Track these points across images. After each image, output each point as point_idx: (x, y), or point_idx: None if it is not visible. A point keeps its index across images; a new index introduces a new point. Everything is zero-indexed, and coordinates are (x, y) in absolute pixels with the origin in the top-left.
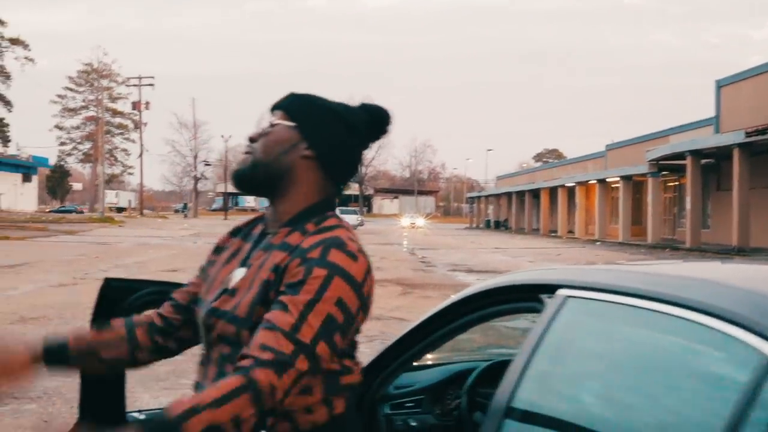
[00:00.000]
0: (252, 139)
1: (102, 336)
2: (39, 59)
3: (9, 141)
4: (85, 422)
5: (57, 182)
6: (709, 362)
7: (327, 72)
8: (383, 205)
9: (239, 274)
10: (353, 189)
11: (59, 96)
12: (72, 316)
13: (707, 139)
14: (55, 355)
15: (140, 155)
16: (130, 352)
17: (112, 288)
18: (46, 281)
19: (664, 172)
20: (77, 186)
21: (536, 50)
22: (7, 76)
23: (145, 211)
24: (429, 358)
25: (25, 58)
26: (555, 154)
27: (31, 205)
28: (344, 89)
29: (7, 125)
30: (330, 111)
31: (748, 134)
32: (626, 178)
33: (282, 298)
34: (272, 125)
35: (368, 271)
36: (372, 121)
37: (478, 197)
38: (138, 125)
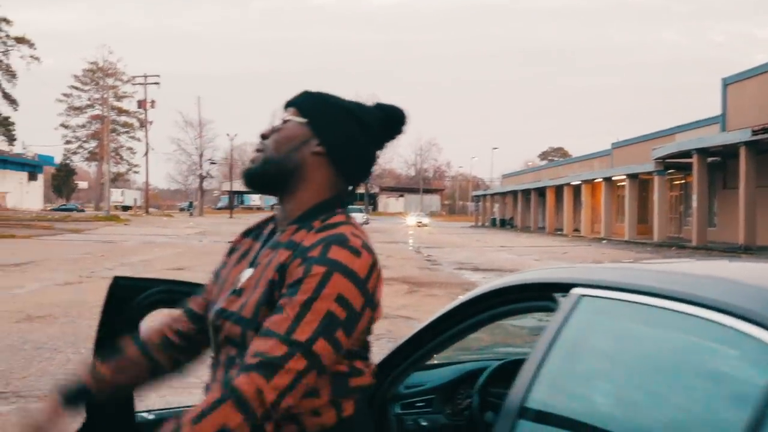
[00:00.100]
0: (264, 136)
1: (119, 364)
2: (45, 58)
3: (15, 140)
4: (93, 423)
5: (62, 181)
6: (724, 360)
7: (335, 70)
8: (388, 203)
9: (247, 274)
10: (359, 187)
11: (65, 95)
12: (78, 314)
13: (714, 138)
14: (77, 400)
15: (146, 154)
16: (150, 373)
17: (120, 287)
18: (52, 280)
19: (670, 171)
20: (83, 184)
21: (542, 48)
22: (13, 75)
23: (151, 210)
24: (438, 357)
25: (31, 56)
26: (560, 152)
27: (37, 203)
28: (352, 87)
29: (12, 124)
30: (342, 108)
31: (755, 132)
32: (632, 177)
33: (281, 300)
34: (284, 122)
35: (373, 266)
36: (386, 121)
37: (484, 195)
38: (143, 124)
